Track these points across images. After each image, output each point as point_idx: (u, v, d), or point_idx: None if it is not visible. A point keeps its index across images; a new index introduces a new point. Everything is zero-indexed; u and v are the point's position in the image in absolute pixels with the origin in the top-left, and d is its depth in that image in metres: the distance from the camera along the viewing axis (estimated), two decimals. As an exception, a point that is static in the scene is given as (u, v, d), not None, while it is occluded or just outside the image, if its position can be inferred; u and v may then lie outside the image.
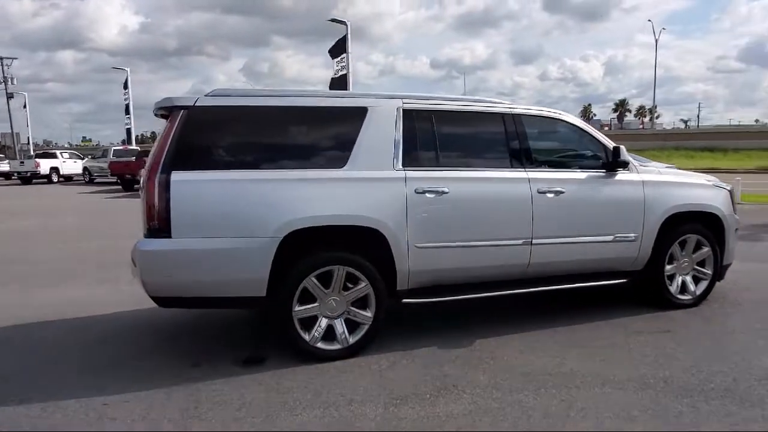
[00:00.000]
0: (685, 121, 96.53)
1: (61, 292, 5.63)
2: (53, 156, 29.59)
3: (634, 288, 4.79)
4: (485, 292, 4.11)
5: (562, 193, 4.23)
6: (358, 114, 3.86)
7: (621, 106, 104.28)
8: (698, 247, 4.79)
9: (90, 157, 29.81)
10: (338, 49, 19.12)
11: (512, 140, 4.24)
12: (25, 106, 40.79)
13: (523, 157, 4.25)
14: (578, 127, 4.62)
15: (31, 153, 33.57)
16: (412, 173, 3.85)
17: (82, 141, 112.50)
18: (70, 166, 29.08)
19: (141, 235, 3.61)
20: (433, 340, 4.01)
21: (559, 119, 4.54)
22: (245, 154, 3.70)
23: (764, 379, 3.30)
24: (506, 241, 4.10)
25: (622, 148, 4.45)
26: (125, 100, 32.29)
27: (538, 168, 4.29)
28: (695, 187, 4.90)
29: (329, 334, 3.72)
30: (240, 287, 3.56)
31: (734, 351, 3.80)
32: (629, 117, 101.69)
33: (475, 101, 4.32)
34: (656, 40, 50.65)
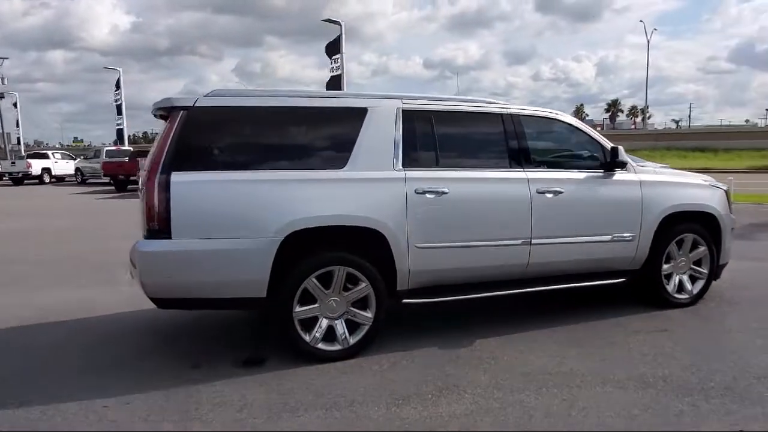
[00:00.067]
0: (677, 122, 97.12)
1: (59, 294, 5.59)
2: (45, 156, 29.38)
3: (632, 287, 4.81)
4: (485, 292, 4.12)
5: (560, 193, 4.24)
6: (358, 114, 3.86)
7: (613, 107, 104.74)
8: (695, 246, 4.83)
9: (82, 157, 29.65)
10: (333, 48, 19.13)
11: (511, 141, 4.25)
12: (15, 106, 40.48)
13: (522, 158, 4.26)
14: (577, 127, 4.64)
15: (23, 153, 33.28)
16: (412, 173, 3.86)
17: (73, 141, 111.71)
18: (62, 166, 28.89)
19: (136, 236, 3.59)
20: (433, 340, 4.01)
21: (557, 120, 4.56)
22: (245, 155, 3.69)
23: (763, 377, 3.32)
24: (506, 241, 4.11)
25: (620, 148, 4.48)
26: (117, 100, 32.08)
27: (537, 168, 4.31)
28: (692, 187, 4.94)
29: (329, 335, 3.72)
30: (240, 288, 3.55)
31: (732, 349, 3.82)
32: (621, 117, 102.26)
33: (474, 102, 4.33)
34: (648, 41, 50.91)
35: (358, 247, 3.75)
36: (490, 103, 4.37)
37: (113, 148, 28.16)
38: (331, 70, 19.32)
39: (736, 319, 4.50)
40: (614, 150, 4.48)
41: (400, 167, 3.85)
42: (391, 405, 3.06)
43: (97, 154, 26.94)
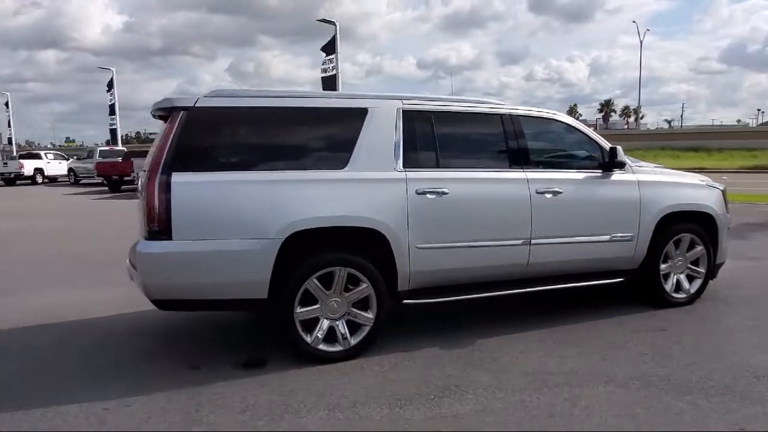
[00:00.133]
0: (669, 121, 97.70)
1: (56, 295, 5.55)
2: (37, 157, 29.17)
3: (629, 287, 4.84)
4: (485, 293, 4.13)
5: (560, 193, 4.26)
6: (359, 115, 3.86)
7: (606, 107, 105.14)
8: (692, 246, 4.86)
9: (75, 157, 29.46)
10: (329, 48, 19.11)
11: (511, 141, 4.26)
12: (7, 106, 40.10)
13: (521, 158, 4.27)
14: (575, 128, 4.66)
15: (14, 154, 33.02)
16: (412, 174, 3.86)
17: (65, 141, 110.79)
18: (55, 167, 28.68)
19: (132, 236, 3.56)
20: (434, 340, 4.01)
21: (556, 120, 4.59)
22: (246, 155, 3.67)
23: (762, 376, 3.35)
24: (505, 241, 4.12)
25: (619, 148, 4.50)
26: (110, 100, 31.89)
27: (537, 169, 4.32)
28: (689, 187, 4.97)
29: (330, 336, 3.71)
30: (241, 289, 3.54)
31: (730, 348, 3.85)
32: (614, 117, 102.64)
33: (474, 102, 4.34)
34: (641, 41, 51.18)
35: (359, 247, 3.75)
36: (490, 103, 4.38)
37: (106, 148, 27.99)
38: (326, 71, 19.29)
39: (733, 318, 4.53)
40: (613, 150, 4.50)
41: (401, 168, 3.85)
42: (393, 406, 3.06)
43: (90, 154, 26.77)
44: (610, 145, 4.56)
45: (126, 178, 20.08)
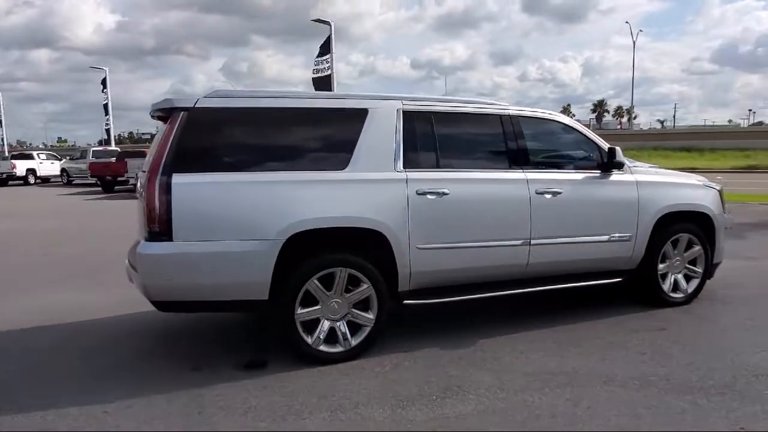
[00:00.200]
0: (662, 122, 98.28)
1: (54, 297, 5.52)
2: (30, 157, 28.90)
3: (628, 287, 4.86)
4: (485, 293, 4.14)
5: (559, 193, 4.27)
6: (359, 115, 3.86)
7: (599, 107, 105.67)
8: (690, 246, 4.88)
9: (68, 158, 29.23)
10: (324, 48, 19.08)
11: (511, 142, 4.27)
12: (-2, 106, 39.79)
13: (521, 159, 4.29)
14: (574, 128, 4.69)
15: (6, 154, 32.75)
16: (413, 174, 3.86)
17: (57, 141, 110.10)
18: (48, 167, 28.44)
19: (129, 237, 3.54)
20: (434, 341, 4.02)
21: (556, 121, 4.61)
22: (246, 156, 3.66)
23: (761, 375, 3.37)
24: (505, 241, 4.13)
25: (617, 149, 4.52)
26: (104, 100, 31.71)
27: (536, 169, 4.33)
28: (687, 187, 5.00)
29: (331, 337, 3.71)
30: (242, 291, 3.53)
31: (729, 348, 3.87)
32: (607, 117, 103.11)
33: (474, 103, 4.34)
34: (634, 42, 51.58)
35: (360, 248, 3.75)
36: (490, 104, 4.39)
37: (100, 148, 27.84)
38: (320, 71, 19.23)
39: (730, 318, 4.56)
40: (611, 151, 4.52)
41: (401, 168, 3.85)
42: (396, 407, 3.06)
43: (83, 154, 26.57)
44: (609, 146, 4.58)
45: (120, 179, 19.97)
